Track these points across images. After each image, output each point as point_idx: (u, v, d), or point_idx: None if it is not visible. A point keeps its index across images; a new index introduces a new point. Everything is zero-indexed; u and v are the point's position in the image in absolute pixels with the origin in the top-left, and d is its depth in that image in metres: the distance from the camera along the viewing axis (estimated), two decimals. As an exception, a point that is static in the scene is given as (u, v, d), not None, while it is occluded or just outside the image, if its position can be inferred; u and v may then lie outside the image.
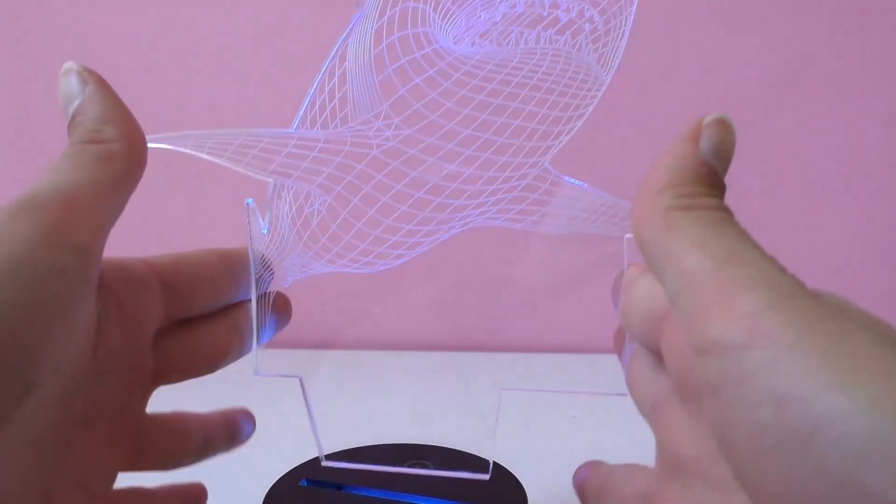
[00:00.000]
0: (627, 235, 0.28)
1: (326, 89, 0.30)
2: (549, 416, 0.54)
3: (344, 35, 0.30)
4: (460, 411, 0.56)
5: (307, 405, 0.34)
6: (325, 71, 0.30)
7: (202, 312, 0.31)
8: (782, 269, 0.22)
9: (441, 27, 0.28)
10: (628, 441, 0.53)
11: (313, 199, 0.30)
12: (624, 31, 0.26)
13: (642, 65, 0.65)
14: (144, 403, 0.29)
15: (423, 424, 0.53)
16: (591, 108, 0.27)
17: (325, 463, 0.35)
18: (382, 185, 0.29)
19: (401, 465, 0.37)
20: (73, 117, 0.26)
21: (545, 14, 0.27)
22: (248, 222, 0.32)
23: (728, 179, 0.26)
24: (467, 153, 0.28)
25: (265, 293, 0.33)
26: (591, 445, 0.53)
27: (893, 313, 0.64)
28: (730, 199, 0.26)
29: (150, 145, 0.27)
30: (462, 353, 0.70)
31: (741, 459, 0.21)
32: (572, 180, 0.29)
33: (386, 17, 0.28)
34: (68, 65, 0.27)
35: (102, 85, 0.27)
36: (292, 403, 0.61)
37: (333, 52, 0.30)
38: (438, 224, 0.30)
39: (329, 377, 0.63)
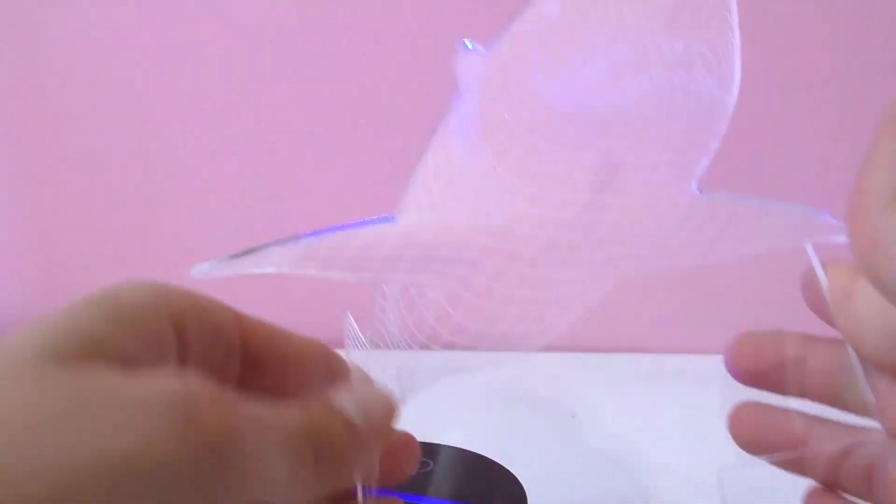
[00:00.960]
0: (808, 245, 0.26)
1: (432, 165, 0.27)
2: (549, 415, 0.55)
3: (445, 116, 0.27)
4: (460, 409, 0.56)
5: None
6: (430, 148, 0.27)
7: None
8: None
9: (547, 85, 0.26)
10: (628, 440, 0.54)
11: (426, 289, 0.27)
12: (734, 54, 0.25)
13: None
14: None
15: (425, 422, 0.55)
16: (724, 127, 0.25)
17: None
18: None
19: None
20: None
21: (652, 56, 0.25)
22: (347, 335, 0.28)
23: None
24: (601, 197, 0.26)
25: None
26: (592, 445, 0.53)
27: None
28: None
29: (221, 273, 0.25)
30: (461, 353, 0.69)
31: None
32: (726, 196, 0.26)
33: (488, 88, 0.25)
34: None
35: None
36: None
37: (439, 128, 0.27)
38: (588, 283, 0.27)
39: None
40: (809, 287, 0.26)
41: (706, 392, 0.57)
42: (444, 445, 0.39)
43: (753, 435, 0.28)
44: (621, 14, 0.25)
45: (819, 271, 0.25)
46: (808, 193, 0.67)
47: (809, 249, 0.26)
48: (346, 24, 0.65)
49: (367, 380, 0.27)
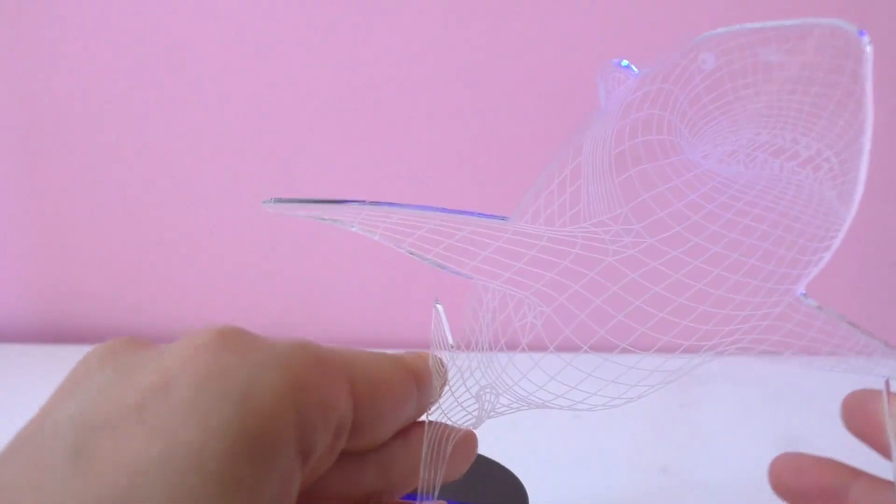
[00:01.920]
0: (886, 377, 0.26)
1: (556, 181, 0.27)
2: (549, 414, 0.57)
3: (579, 131, 0.27)
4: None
5: None
6: (557, 163, 0.27)
7: (365, 447, 0.25)
8: None
9: (688, 139, 0.26)
10: (629, 440, 0.54)
11: (526, 308, 0.27)
12: (859, 172, 0.25)
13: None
14: None
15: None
16: (837, 241, 0.25)
17: None
18: (617, 299, 0.26)
19: None
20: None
21: (786, 146, 0.25)
22: (434, 329, 0.28)
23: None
24: (716, 272, 0.26)
25: (444, 432, 0.27)
26: (593, 445, 0.53)
27: (893, 316, 0.68)
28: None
29: (294, 213, 0.23)
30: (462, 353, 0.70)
31: None
32: (824, 311, 0.26)
33: (629, 119, 0.25)
34: None
35: None
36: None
37: (567, 146, 0.27)
38: (684, 352, 0.27)
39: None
40: (855, 411, 0.27)
41: (706, 392, 0.59)
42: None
43: (792, 485, 0.28)
44: (769, 92, 0.25)
45: (885, 403, 0.26)
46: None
47: (885, 382, 0.26)
48: (346, 19, 0.66)
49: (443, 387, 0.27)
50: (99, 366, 0.20)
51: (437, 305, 0.29)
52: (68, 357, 0.74)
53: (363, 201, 0.24)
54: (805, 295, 0.26)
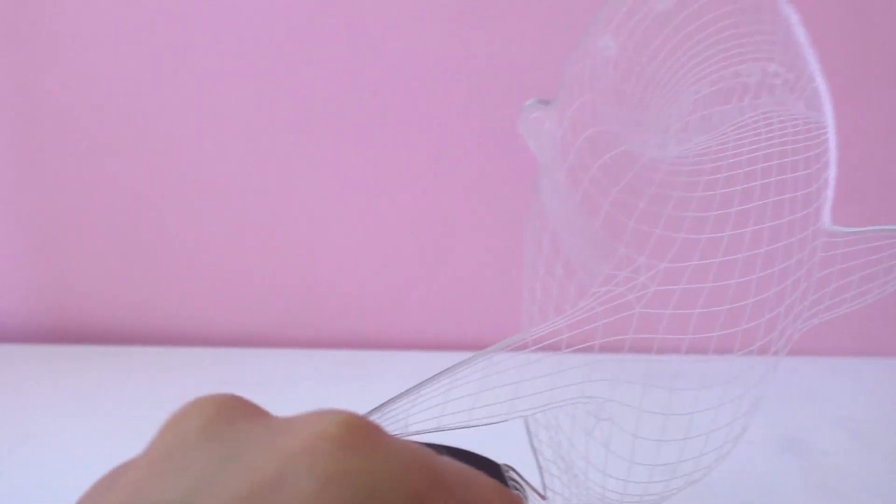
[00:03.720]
0: None
1: (541, 267, 0.24)
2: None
3: (535, 198, 0.24)
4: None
5: None
6: (531, 247, 0.24)
7: None
8: None
9: (634, 141, 0.24)
10: (628, 440, 0.54)
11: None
12: (812, 71, 0.24)
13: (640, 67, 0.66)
14: None
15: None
16: (832, 153, 0.24)
17: None
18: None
19: None
20: None
21: (731, 84, 0.24)
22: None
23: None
24: (742, 256, 0.23)
25: None
26: (592, 445, 0.53)
27: (892, 319, 0.69)
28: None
29: None
30: (463, 353, 0.68)
31: None
32: (863, 229, 0.25)
33: (571, 155, 0.23)
34: None
35: None
36: (290, 405, 0.60)
37: (530, 225, 0.24)
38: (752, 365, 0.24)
39: (329, 377, 0.65)
40: None
41: (706, 392, 0.58)
42: (444, 445, 0.36)
43: None
44: (684, 40, 0.23)
45: None
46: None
47: None
48: (346, 23, 0.67)
49: None
50: (199, 439, 0.17)
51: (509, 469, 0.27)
52: (68, 357, 0.67)
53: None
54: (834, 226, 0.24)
